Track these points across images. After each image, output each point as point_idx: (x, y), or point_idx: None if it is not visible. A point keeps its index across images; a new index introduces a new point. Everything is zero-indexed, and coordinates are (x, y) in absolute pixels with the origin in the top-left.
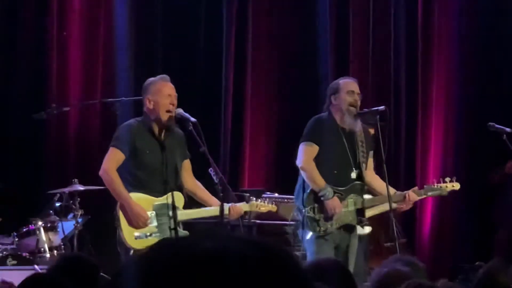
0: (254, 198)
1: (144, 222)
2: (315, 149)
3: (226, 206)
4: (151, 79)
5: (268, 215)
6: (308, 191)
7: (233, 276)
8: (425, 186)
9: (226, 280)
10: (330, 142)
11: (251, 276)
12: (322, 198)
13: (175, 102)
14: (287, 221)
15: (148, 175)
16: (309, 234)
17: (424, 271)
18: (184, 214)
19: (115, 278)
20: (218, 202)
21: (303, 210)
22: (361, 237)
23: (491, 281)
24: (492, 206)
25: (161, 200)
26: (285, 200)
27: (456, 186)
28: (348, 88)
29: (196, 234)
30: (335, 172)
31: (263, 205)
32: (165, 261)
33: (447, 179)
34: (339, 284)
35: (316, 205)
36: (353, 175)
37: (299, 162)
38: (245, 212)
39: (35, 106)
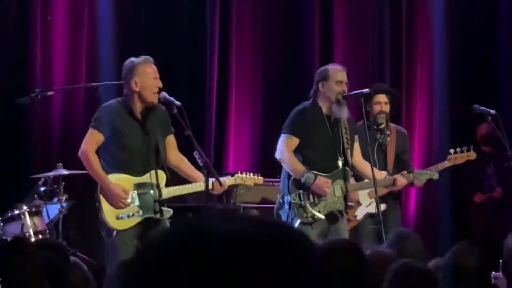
0: (239, 172)
1: (124, 202)
2: (294, 141)
3: (210, 180)
4: (134, 60)
5: (254, 198)
6: (292, 177)
7: (250, 256)
8: (414, 170)
9: (243, 261)
10: (315, 131)
11: (267, 256)
12: (306, 185)
13: (160, 83)
14: (274, 203)
15: (128, 156)
16: (297, 221)
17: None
18: (167, 192)
19: (131, 263)
20: (203, 177)
21: (288, 196)
22: (386, 214)
23: (458, 263)
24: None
25: (142, 179)
26: (270, 183)
27: (472, 155)
28: (337, 78)
29: (208, 216)
30: (321, 160)
31: (248, 178)
32: (180, 245)
33: (464, 148)
34: (352, 264)
35: (300, 191)
36: (339, 163)
37: (277, 154)
38: (230, 190)
39: (19, 90)
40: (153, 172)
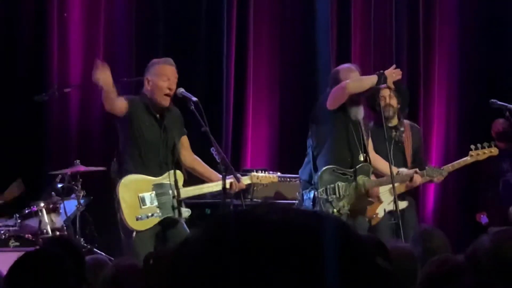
0: (255, 170)
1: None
2: None
3: (227, 180)
4: (155, 60)
5: (271, 194)
6: (319, 173)
7: (303, 245)
8: (426, 168)
9: (296, 250)
10: (339, 124)
11: (319, 246)
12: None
13: (174, 86)
14: (291, 200)
15: (146, 152)
16: None
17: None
18: (185, 192)
19: (180, 250)
20: (219, 176)
21: (316, 192)
22: (404, 211)
23: (499, 249)
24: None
25: (160, 179)
26: (288, 179)
27: (495, 151)
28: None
29: (255, 208)
30: (345, 153)
31: (263, 177)
32: (233, 235)
33: (485, 144)
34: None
35: (328, 186)
36: (361, 157)
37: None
38: (247, 187)
39: (36, 87)
40: (171, 172)
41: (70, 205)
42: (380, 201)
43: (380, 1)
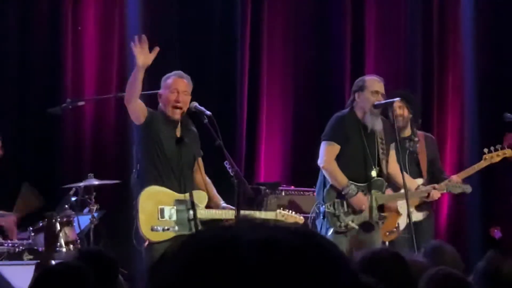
0: (281, 208)
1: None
2: (336, 148)
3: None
4: (167, 74)
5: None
6: (328, 187)
7: (282, 266)
8: (448, 183)
9: (275, 271)
10: (353, 140)
11: (300, 265)
12: (346, 196)
13: (182, 98)
14: (306, 213)
15: (163, 165)
16: (331, 230)
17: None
18: (204, 214)
19: (154, 269)
20: (221, 204)
21: (323, 206)
22: (422, 222)
23: (495, 272)
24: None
25: (184, 196)
26: (301, 192)
27: (508, 153)
28: (374, 88)
29: (236, 224)
30: (354, 169)
31: (289, 216)
32: (210, 255)
33: (498, 146)
34: (395, 276)
35: (336, 200)
36: (373, 173)
37: (320, 161)
38: (261, 200)
39: (50, 100)
40: (193, 191)
41: (84, 219)
42: (399, 214)
43: (394, 11)
